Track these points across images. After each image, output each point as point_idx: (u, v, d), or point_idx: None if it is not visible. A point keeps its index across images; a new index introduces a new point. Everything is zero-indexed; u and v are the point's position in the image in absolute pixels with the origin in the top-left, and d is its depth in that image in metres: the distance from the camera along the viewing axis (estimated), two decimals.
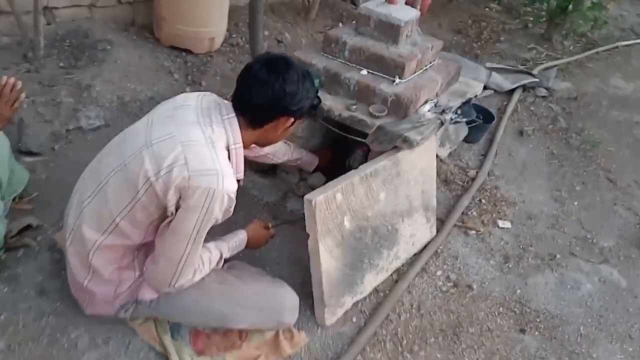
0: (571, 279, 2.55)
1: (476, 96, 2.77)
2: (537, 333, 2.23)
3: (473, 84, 2.75)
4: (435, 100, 2.39)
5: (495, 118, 3.54)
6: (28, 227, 2.08)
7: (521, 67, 4.60)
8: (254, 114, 1.59)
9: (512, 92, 4.21)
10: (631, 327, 2.36)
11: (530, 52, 5.30)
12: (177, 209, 1.49)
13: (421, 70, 2.42)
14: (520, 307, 2.34)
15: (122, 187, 1.52)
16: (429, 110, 2.33)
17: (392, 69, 2.28)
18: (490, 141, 3.53)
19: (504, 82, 4.19)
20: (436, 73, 2.46)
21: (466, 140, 3.46)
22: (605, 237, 2.89)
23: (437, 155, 3.15)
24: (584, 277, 2.59)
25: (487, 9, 6.46)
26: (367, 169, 2.10)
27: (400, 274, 2.34)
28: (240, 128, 1.60)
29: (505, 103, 4.08)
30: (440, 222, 2.68)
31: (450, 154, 3.30)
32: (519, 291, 2.42)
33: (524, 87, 4.29)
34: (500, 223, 2.82)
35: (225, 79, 3.65)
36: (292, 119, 1.65)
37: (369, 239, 2.15)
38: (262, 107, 1.58)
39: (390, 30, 2.33)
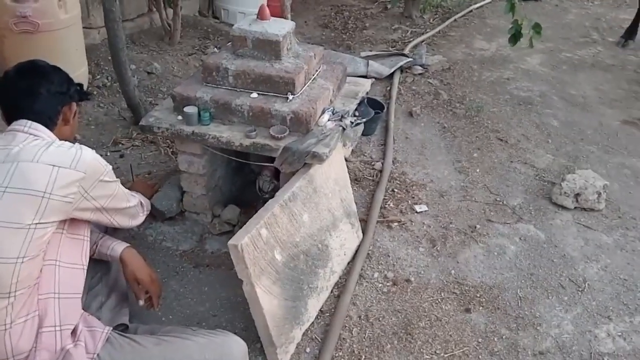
0: (496, 246, 2.67)
1: (367, 93, 2.78)
2: (481, 308, 2.29)
3: (361, 81, 2.77)
4: (331, 108, 2.36)
5: (384, 106, 3.60)
6: None
7: (393, 50, 4.73)
8: (40, 117, 1.55)
9: (391, 76, 4.33)
10: (560, 277, 2.50)
11: (396, 32, 5.50)
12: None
13: (310, 81, 2.38)
14: (459, 287, 2.40)
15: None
16: (329, 120, 2.30)
17: (282, 86, 2.22)
18: (386, 129, 3.59)
19: (382, 69, 4.29)
20: (325, 80, 2.44)
21: (363, 134, 3.49)
22: (512, 196, 3.06)
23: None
24: (506, 240, 2.72)
25: None
26: (284, 194, 2.03)
27: (340, 287, 2.30)
28: None
29: (388, 88, 4.18)
30: (364, 223, 2.67)
31: (353, 152, 3.31)
32: (453, 272, 2.48)
33: (401, 69, 4.43)
34: (417, 208, 2.87)
35: (100, 125, 3.39)
36: (73, 104, 1.66)
37: (303, 264, 2.08)
38: (43, 108, 1.56)
39: (270, 47, 2.25)
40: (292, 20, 5.66)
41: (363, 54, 4.60)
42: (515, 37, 4.39)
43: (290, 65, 2.27)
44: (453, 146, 3.53)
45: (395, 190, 3.01)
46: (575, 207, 2.95)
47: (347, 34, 5.36)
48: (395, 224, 2.74)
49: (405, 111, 3.90)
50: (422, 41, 5.16)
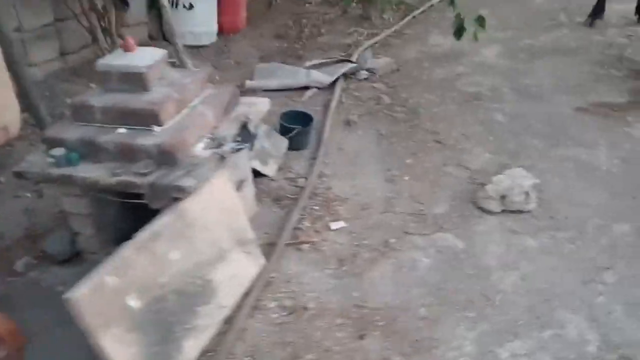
0: (407, 260, 2.50)
1: (255, 116, 2.65)
2: (377, 333, 2.14)
3: (258, 101, 2.64)
4: (210, 136, 2.24)
5: (314, 118, 3.46)
6: None
7: (338, 57, 4.57)
8: None
9: (335, 84, 4.18)
10: (471, 291, 2.33)
11: (351, 36, 5.34)
12: None
13: (188, 109, 2.26)
14: (359, 310, 2.25)
15: None
16: (204, 148, 2.18)
17: (148, 119, 2.11)
18: (319, 141, 3.45)
19: (324, 77, 4.15)
20: (206, 106, 2.32)
21: (294, 148, 3.36)
22: (438, 203, 2.88)
23: (265, 175, 3.04)
24: (420, 253, 2.55)
25: (307, 4, 6.47)
26: (143, 235, 1.91)
27: (229, 322, 2.18)
28: None
29: (330, 97, 4.03)
30: (272, 247, 2.55)
31: (279, 169, 3.18)
32: (355, 294, 2.33)
33: (346, 76, 4.27)
34: (334, 225, 2.73)
35: None
36: None
37: (174, 304, 1.97)
38: None
39: (135, 80, 2.15)
40: (248, 32, 5.61)
41: (308, 63, 4.46)
42: (459, 31, 4.19)
43: (158, 96, 2.16)
44: (387, 153, 3.37)
45: (315, 207, 2.87)
46: (502, 211, 2.77)
47: (301, 43, 5.23)
48: (307, 245, 2.60)
49: (344, 120, 3.74)
50: (375, 43, 5.00)
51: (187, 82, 2.27)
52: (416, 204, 2.88)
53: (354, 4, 5.88)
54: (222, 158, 2.18)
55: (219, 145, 2.20)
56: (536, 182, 2.79)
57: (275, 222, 2.74)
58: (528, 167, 3.10)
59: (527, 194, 2.73)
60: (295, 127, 3.30)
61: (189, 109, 2.27)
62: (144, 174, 2.05)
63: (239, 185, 2.60)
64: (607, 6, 5.41)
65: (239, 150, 2.26)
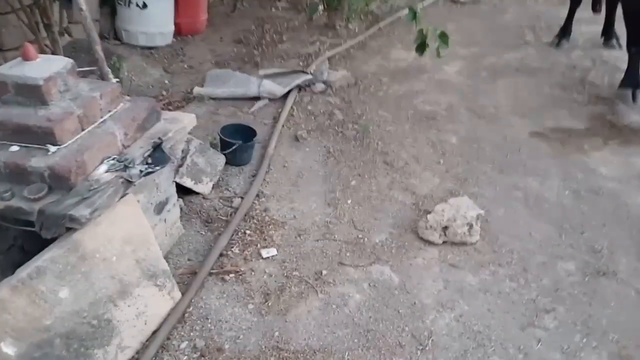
0: (337, 296, 2.31)
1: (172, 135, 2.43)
2: None
3: (181, 117, 2.41)
4: (115, 157, 2.01)
5: (257, 133, 3.25)
6: None
7: (294, 68, 4.36)
8: None
9: (288, 96, 3.97)
10: (402, 333, 2.15)
11: (313, 45, 5.13)
12: None
13: (93, 125, 2.03)
14: (278, 353, 2.04)
15: None
16: (107, 171, 1.95)
17: (42, 137, 1.87)
18: (262, 157, 3.24)
19: (276, 88, 3.93)
20: (116, 123, 2.08)
21: (235, 164, 3.15)
22: (378, 231, 2.70)
23: (198, 193, 2.82)
24: (353, 287, 2.36)
25: (273, 9, 6.25)
26: (22, 272, 1.68)
27: None
28: None
29: (280, 110, 3.82)
30: (193, 277, 2.32)
31: (215, 186, 2.96)
32: (277, 333, 2.12)
33: (300, 88, 4.07)
34: (265, 252, 2.52)
35: None
36: None
37: (62, 349, 1.73)
38: None
39: (32, 93, 1.91)
40: (208, 35, 5.37)
41: (262, 72, 4.24)
42: (421, 47, 4.04)
43: (57, 111, 1.92)
44: (333, 174, 3.17)
45: (248, 231, 2.66)
46: (443, 242, 2.59)
47: (260, 49, 5.00)
48: (232, 275, 2.39)
49: (292, 135, 3.54)
50: (336, 54, 4.81)
51: (95, 95, 2.03)
52: (355, 231, 2.69)
53: (319, 13, 5.68)
54: (128, 182, 1.95)
55: (126, 167, 1.97)
56: (481, 213, 2.62)
57: (201, 248, 2.52)
58: (475, 194, 2.95)
59: (470, 225, 2.56)
60: (236, 142, 3.08)
61: (95, 126, 2.03)
62: (35, 200, 1.81)
63: (160, 208, 2.37)
64: (575, 27, 5.33)
65: (148, 174, 2.03)
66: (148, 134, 2.24)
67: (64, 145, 1.90)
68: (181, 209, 2.70)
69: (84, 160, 1.89)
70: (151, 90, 4.09)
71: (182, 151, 2.76)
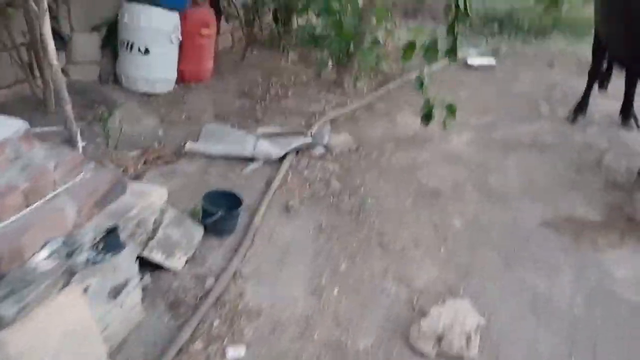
0: None
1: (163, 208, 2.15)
2: None
3: (152, 191, 2.14)
4: (61, 240, 1.73)
5: (242, 201, 2.97)
6: None
7: (292, 130, 4.12)
8: None
9: (284, 158, 3.72)
10: None
11: (318, 103, 4.93)
12: None
13: (42, 201, 1.76)
14: None
15: None
16: (48, 257, 1.67)
17: None
18: (247, 229, 2.96)
19: (272, 150, 3.69)
20: (69, 198, 1.81)
21: (216, 234, 2.87)
22: (364, 333, 2.37)
23: (168, 268, 2.52)
24: None
25: (283, 61, 6.11)
26: None
27: None
28: None
29: (274, 175, 3.56)
30: None
31: (189, 260, 2.67)
32: None
33: (298, 151, 3.82)
34: (231, 351, 2.20)
35: None
36: None
37: None
38: None
39: None
40: (213, 84, 5.18)
41: (260, 130, 4.01)
42: (427, 117, 3.81)
43: (1, 182, 1.66)
44: (322, 252, 2.87)
45: (216, 322, 2.34)
46: (437, 354, 2.26)
47: (263, 104, 4.80)
48: None
49: (283, 204, 3.26)
50: (341, 115, 4.58)
51: (48, 165, 1.77)
52: (338, 330, 2.37)
53: (328, 69, 5.51)
54: (71, 273, 1.67)
55: (70, 254, 1.69)
56: (481, 322, 2.29)
57: (160, 339, 2.21)
58: (477, 292, 2.64)
59: (469, 337, 2.23)
60: (218, 211, 2.81)
61: (44, 202, 1.76)
62: None
63: (116, 292, 2.07)
64: (593, 100, 5.10)
65: (95, 263, 1.74)
66: (108, 210, 1.96)
67: (2, 224, 1.63)
68: (146, 287, 2.40)
69: (20, 245, 1.61)
70: (143, 141, 3.86)
71: (155, 221, 2.49)
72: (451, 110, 3.76)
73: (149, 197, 2.09)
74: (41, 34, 2.19)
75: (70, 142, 2.28)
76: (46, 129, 2.04)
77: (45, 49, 3.62)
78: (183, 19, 4.65)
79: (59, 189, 1.83)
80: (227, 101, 4.84)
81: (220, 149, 3.69)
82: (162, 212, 2.53)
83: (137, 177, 3.37)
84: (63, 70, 4.36)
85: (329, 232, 3.04)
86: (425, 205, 3.41)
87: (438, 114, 3.76)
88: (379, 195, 3.44)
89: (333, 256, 2.84)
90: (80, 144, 2.18)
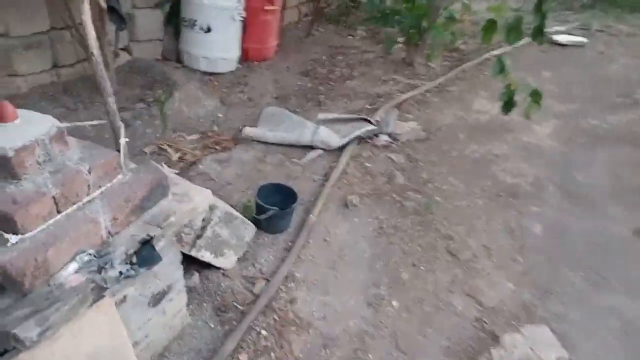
0: None
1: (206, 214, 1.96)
2: None
3: (195, 194, 1.94)
4: (92, 252, 1.57)
5: (297, 197, 2.74)
6: None
7: (355, 115, 3.81)
8: None
9: (345, 147, 3.46)
10: None
11: (385, 84, 4.60)
12: None
13: (74, 207, 1.60)
14: None
15: None
16: (77, 272, 1.51)
17: (3, 223, 1.46)
18: (301, 227, 2.74)
19: (332, 138, 3.43)
20: (103, 205, 1.65)
21: (269, 231, 2.67)
22: (425, 358, 2.11)
23: (220, 268, 2.36)
24: None
25: (350, 36, 5.78)
26: None
27: None
28: None
29: (333, 165, 3.31)
30: None
31: (240, 259, 2.49)
32: None
33: (360, 139, 3.54)
34: None
35: None
36: None
37: None
38: None
39: (1, 165, 1.50)
40: (277, 61, 4.95)
41: (321, 115, 3.75)
42: (507, 105, 3.40)
43: (29, 188, 1.51)
44: (381, 257, 2.61)
45: (264, 332, 2.16)
46: None
47: (327, 85, 4.53)
48: None
49: (342, 199, 3.01)
50: (409, 98, 4.24)
51: (82, 169, 1.61)
52: (395, 353, 2.12)
53: (398, 45, 5.14)
54: (101, 288, 1.51)
55: (101, 268, 1.53)
56: (563, 357, 1.96)
57: (205, 347, 2.05)
58: (558, 316, 2.29)
59: None
60: (272, 208, 2.60)
61: (76, 209, 1.60)
62: None
63: (157, 300, 1.92)
64: None
65: (128, 277, 1.57)
66: (147, 216, 1.78)
67: (29, 234, 1.48)
68: (194, 288, 2.25)
69: (47, 259, 1.46)
70: (201, 123, 3.72)
71: (203, 220, 2.32)
72: (536, 98, 3.34)
73: (191, 201, 1.89)
74: (81, 21, 2.01)
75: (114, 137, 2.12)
76: (89, 122, 1.86)
77: (103, 27, 3.55)
78: None
79: (94, 194, 1.67)
80: (289, 81, 4.61)
81: (277, 135, 3.47)
82: (212, 209, 2.35)
83: (193, 163, 3.23)
84: (125, 49, 4.30)
85: (390, 233, 2.77)
86: (500, 205, 3.05)
87: (520, 100, 3.34)
88: (448, 193, 3.11)
89: (393, 262, 2.58)
90: (123, 140, 2.00)
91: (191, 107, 3.86)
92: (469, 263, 2.60)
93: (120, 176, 1.74)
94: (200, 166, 3.15)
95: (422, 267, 2.56)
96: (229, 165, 3.23)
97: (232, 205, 2.66)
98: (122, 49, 4.26)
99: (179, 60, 4.59)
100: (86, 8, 2.00)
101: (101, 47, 3.65)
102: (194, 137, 3.58)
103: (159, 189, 1.82)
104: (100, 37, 3.61)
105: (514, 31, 3.23)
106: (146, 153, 3.27)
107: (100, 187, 1.67)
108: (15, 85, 3.65)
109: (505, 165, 3.47)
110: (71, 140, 1.75)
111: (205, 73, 4.43)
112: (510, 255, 2.67)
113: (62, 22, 3.65)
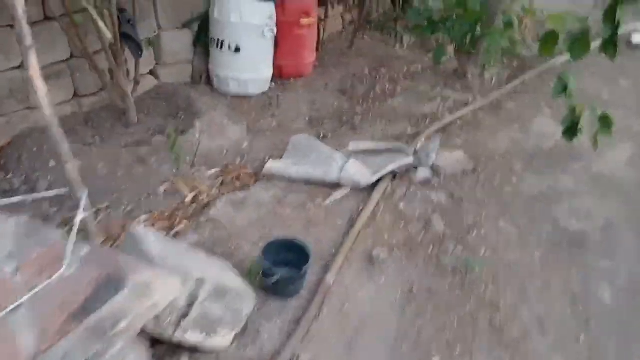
0: None
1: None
2: None
3: (159, 285, 1.58)
4: None
5: (310, 255, 2.33)
6: None
7: (391, 145, 3.32)
8: None
9: (377, 184, 3.01)
10: None
11: (432, 102, 4.09)
12: None
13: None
14: None
15: None
16: None
17: None
18: (315, 292, 2.34)
19: (361, 176, 2.99)
20: (33, 314, 1.33)
21: (278, 294, 2.30)
22: None
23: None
24: None
25: (397, 46, 5.29)
26: None
27: None
28: None
29: (361, 208, 2.87)
30: None
31: (239, 335, 2.13)
32: None
33: (395, 174, 3.08)
34: None
35: None
36: None
37: None
38: None
39: None
40: (314, 78, 4.55)
41: (352, 145, 3.31)
42: (570, 131, 2.84)
43: None
44: (408, 336, 2.16)
45: None
46: None
47: (366, 104, 4.09)
48: None
49: (367, 252, 2.58)
50: (458, 119, 3.71)
51: (7, 270, 1.29)
52: None
53: (447, 57, 4.59)
54: None
55: None
56: None
57: None
58: None
59: None
60: (278, 271, 2.22)
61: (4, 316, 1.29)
62: None
63: None
64: None
65: None
66: (92, 319, 1.45)
67: None
68: None
69: None
70: (223, 157, 3.40)
71: (190, 296, 1.97)
72: (606, 123, 2.75)
73: (152, 296, 1.54)
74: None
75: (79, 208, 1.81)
76: (45, 193, 1.56)
77: (117, 56, 3.30)
78: (279, 7, 4.07)
79: (22, 299, 1.35)
80: (326, 101, 4.21)
81: (301, 171, 3.08)
82: (199, 284, 1.99)
83: (207, 205, 2.92)
84: (152, 73, 4.06)
85: (422, 300, 2.30)
86: (562, 261, 2.50)
87: (587, 123, 2.78)
88: (497, 244, 2.59)
89: (423, 342, 2.12)
90: (82, 214, 1.68)
91: (214, 138, 3.55)
92: (518, 343, 2.10)
93: (63, 269, 1.41)
94: (212, 210, 2.83)
95: (458, 349, 2.09)
96: (245, 207, 2.88)
97: (239, 261, 2.33)
98: (149, 73, 4.04)
99: (209, 82, 4.31)
100: (33, 62, 1.69)
101: (116, 79, 3.42)
102: (214, 171, 3.27)
103: (111, 285, 1.48)
104: (112, 69, 3.38)
105: (579, 44, 2.67)
106: (159, 192, 2.98)
107: (33, 287, 1.35)
108: (32, 120, 3.47)
109: (569, 204, 2.89)
110: (6, 226, 1.45)
111: (235, 96, 4.12)
112: (572, 332, 2.14)
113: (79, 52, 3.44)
